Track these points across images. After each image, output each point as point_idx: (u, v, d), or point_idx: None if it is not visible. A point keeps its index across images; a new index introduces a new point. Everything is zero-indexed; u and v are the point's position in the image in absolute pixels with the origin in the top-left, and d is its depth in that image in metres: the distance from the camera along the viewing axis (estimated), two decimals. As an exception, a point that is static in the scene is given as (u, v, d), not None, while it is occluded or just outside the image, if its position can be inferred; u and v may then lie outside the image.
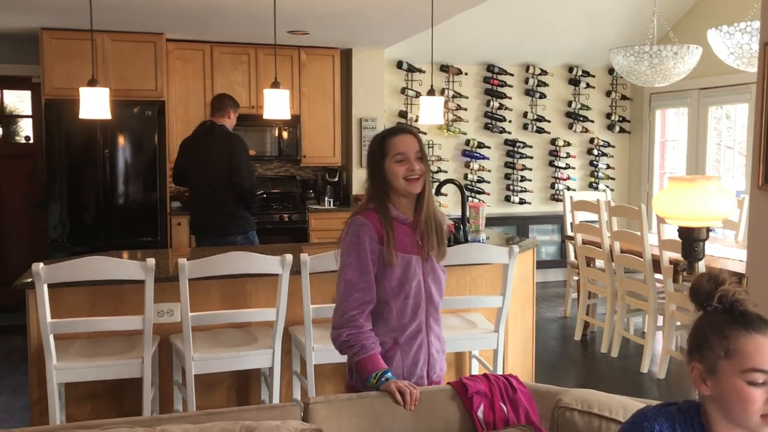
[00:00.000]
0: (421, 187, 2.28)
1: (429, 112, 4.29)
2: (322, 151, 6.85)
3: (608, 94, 8.08)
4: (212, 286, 3.47)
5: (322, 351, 3.24)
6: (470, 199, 7.44)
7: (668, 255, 4.55)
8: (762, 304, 2.26)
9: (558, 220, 7.75)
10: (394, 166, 2.26)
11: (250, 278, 3.46)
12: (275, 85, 4.04)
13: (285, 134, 6.69)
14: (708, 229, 1.74)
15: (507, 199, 7.87)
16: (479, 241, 4.13)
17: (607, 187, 7.91)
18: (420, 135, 2.36)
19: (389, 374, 2.15)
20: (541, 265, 7.80)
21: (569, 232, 6.12)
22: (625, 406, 1.87)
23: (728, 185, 6.63)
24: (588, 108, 8.00)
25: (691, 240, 1.77)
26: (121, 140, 6.01)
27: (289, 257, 3.12)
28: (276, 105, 3.99)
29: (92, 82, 3.63)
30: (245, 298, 3.54)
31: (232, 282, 3.49)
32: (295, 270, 3.22)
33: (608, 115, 8.11)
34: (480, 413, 2.04)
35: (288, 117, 4.15)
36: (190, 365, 3.08)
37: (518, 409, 2.05)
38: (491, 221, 6.79)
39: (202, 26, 5.78)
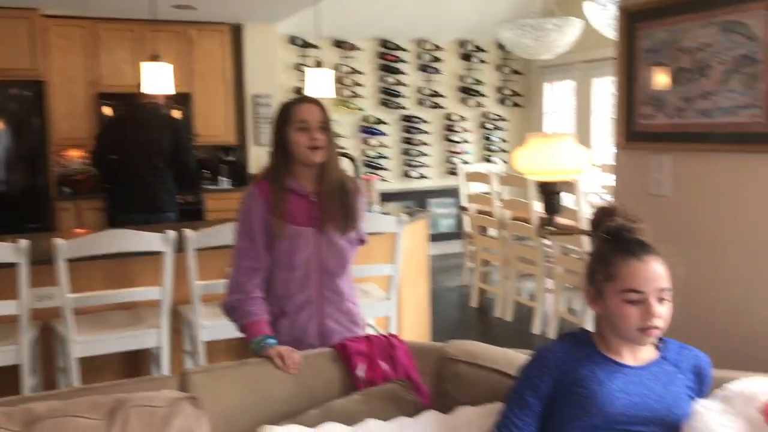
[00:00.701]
0: (324, 158, 2.26)
1: (317, 85, 4.27)
2: (216, 129, 6.70)
3: (499, 68, 8.29)
4: (95, 267, 3.35)
5: (212, 328, 3.19)
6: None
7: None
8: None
9: (455, 193, 7.86)
10: (296, 134, 2.24)
11: (135, 258, 3.36)
12: (154, 58, 3.91)
13: (176, 113, 6.50)
14: (564, 183, 1.83)
15: (406, 174, 7.97)
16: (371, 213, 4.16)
17: (501, 159, 8.14)
18: (326, 109, 2.32)
19: (271, 340, 2.15)
20: (441, 237, 7.96)
21: (464, 204, 6.27)
22: (508, 357, 1.94)
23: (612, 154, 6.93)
24: (481, 83, 8.17)
25: (550, 193, 1.86)
26: (-1, 123, 5.68)
27: (172, 234, 3.05)
28: (156, 79, 3.87)
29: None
30: (130, 278, 3.44)
31: (116, 262, 3.38)
32: (181, 247, 3.16)
33: (500, 89, 8.32)
34: (361, 372, 2.06)
35: (171, 91, 4.04)
36: (71, 348, 2.97)
37: (398, 365, 2.09)
38: (391, 197, 6.87)
39: (79, 0, 5.52)
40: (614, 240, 1.62)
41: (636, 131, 2.33)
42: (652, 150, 2.29)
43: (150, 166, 4.85)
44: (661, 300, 1.55)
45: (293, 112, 2.26)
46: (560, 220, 4.58)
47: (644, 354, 1.62)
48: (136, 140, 4.81)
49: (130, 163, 4.86)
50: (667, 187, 2.25)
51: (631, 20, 2.33)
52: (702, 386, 1.64)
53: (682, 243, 2.22)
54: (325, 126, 2.26)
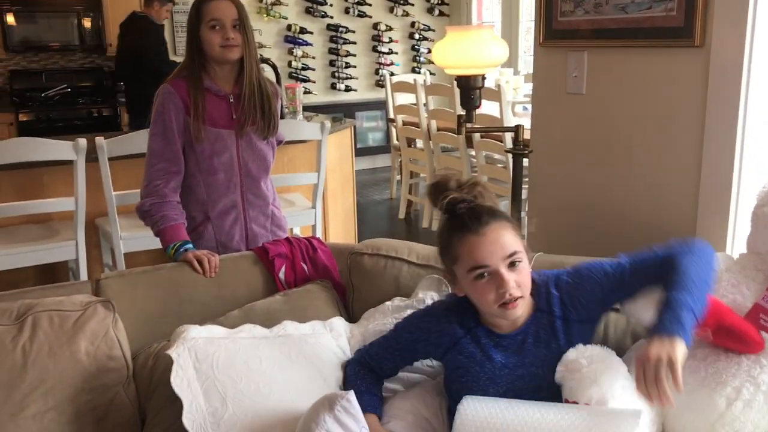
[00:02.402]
0: (240, 55, 2.17)
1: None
2: (130, 38, 6.36)
3: (427, -24, 8.11)
4: (4, 179, 3.18)
5: (131, 239, 3.11)
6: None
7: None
8: (541, 154, 2.43)
9: (384, 106, 7.82)
10: (209, 33, 2.13)
11: (45, 168, 3.21)
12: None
13: (87, 22, 6.13)
14: (483, 77, 1.81)
15: (333, 86, 7.83)
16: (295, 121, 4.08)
17: (428, 71, 8.06)
18: (242, 5, 2.20)
19: (189, 245, 2.11)
20: (369, 151, 7.93)
21: (391, 115, 6.22)
22: (411, 247, 1.96)
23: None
24: (408, -9, 7.99)
25: (468, 88, 1.84)
26: None
27: (82, 141, 2.91)
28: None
29: None
30: (42, 191, 3.29)
31: (25, 173, 3.21)
32: (95, 157, 3.02)
33: (428, -1, 8.17)
34: (281, 274, 2.06)
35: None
36: (-20, 263, 2.85)
37: (318, 266, 2.09)
38: (318, 109, 6.73)
39: None
40: (450, 217, 1.48)
41: (555, 29, 2.32)
42: (570, 47, 2.28)
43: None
44: (512, 266, 1.42)
45: (205, 10, 2.15)
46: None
47: (523, 312, 1.49)
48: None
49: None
50: (584, 85, 2.27)
51: None
52: (581, 299, 1.49)
53: (597, 140, 2.26)
54: (240, 25, 2.17)
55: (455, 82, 2.05)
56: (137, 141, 2.97)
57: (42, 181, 3.31)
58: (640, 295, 1.47)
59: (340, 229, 4.33)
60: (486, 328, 1.51)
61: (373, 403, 1.53)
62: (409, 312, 1.69)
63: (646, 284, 1.46)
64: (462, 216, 1.45)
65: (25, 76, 6.27)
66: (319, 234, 3.61)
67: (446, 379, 1.60)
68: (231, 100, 2.22)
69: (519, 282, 1.43)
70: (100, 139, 2.94)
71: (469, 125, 1.96)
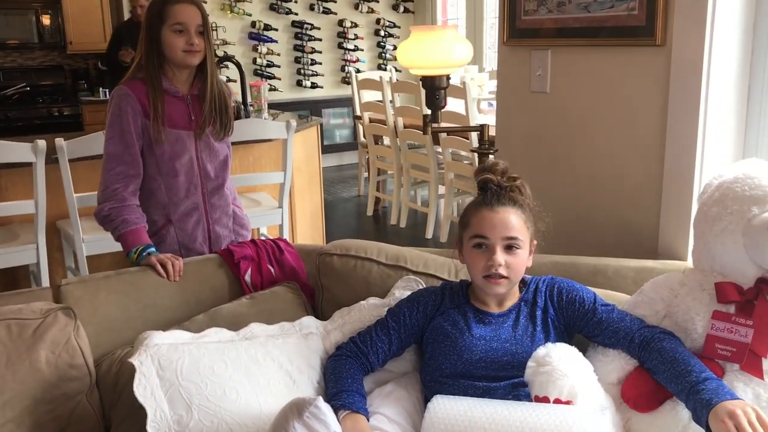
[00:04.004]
0: (200, 60, 2.15)
1: (197, -15, 4.00)
2: (91, 36, 6.24)
3: (392, -27, 8.09)
4: (-40, 182, 3.11)
5: (93, 242, 3.05)
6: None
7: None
8: (505, 153, 2.44)
9: (350, 103, 7.80)
10: (172, 36, 2.10)
11: (3, 171, 3.13)
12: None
13: (46, 19, 6.00)
14: (447, 77, 1.81)
15: (299, 83, 7.78)
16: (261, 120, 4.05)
17: (394, 67, 8.05)
18: (204, 10, 2.18)
19: (152, 249, 2.07)
20: (336, 148, 7.90)
21: (358, 113, 6.20)
22: (380, 248, 1.95)
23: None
24: (373, -13, 7.97)
25: (434, 89, 1.84)
26: None
27: (41, 143, 2.84)
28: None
29: None
30: (1, 193, 3.21)
31: (-18, 176, 3.14)
32: (55, 158, 2.96)
33: (393, -5, 8.15)
34: (247, 277, 2.04)
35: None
36: (-64, 269, 2.78)
37: (285, 268, 2.07)
38: (283, 106, 6.68)
39: None
40: (479, 193, 1.65)
41: (519, 28, 2.32)
42: (534, 46, 2.29)
43: None
44: (509, 248, 1.56)
45: (170, 12, 2.12)
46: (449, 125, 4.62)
47: (510, 301, 1.63)
48: None
49: None
50: (548, 84, 2.28)
51: None
52: (565, 303, 1.60)
53: (561, 139, 2.28)
54: (204, 30, 2.14)
55: (407, 69, 2.05)
56: (98, 142, 2.90)
57: (0, 184, 3.23)
58: (606, 344, 1.56)
59: (307, 227, 4.30)
60: (474, 306, 1.63)
61: (363, 404, 1.52)
62: (386, 310, 1.70)
63: (617, 345, 1.54)
64: (487, 193, 1.61)
65: (-18, 74, 6.12)
66: (286, 233, 3.58)
67: (425, 349, 1.64)
68: (189, 101, 2.20)
69: (509, 264, 1.55)
70: (59, 141, 2.88)
71: (435, 125, 1.96)
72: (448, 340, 1.57)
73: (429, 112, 1.95)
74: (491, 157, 2.07)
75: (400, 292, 1.80)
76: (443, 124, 4.75)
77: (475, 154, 4.47)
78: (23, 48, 6.12)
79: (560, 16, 2.17)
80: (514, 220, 1.57)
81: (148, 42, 2.15)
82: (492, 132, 2.32)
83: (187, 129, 2.20)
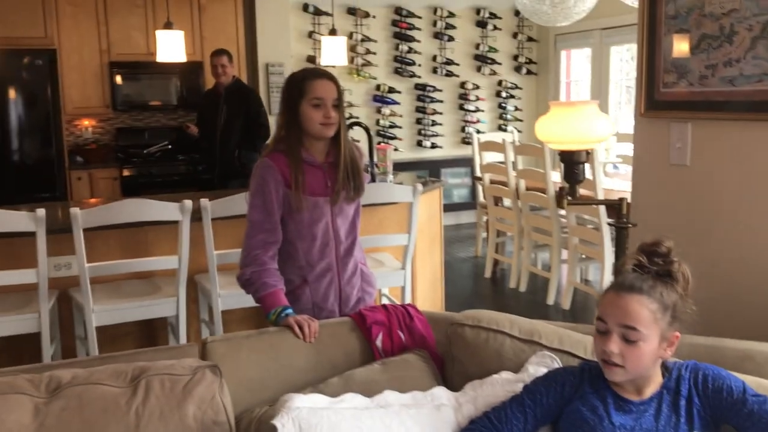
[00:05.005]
0: (335, 131, 2.28)
1: (331, 53, 4.23)
2: (228, 98, 6.66)
3: (515, 36, 8.18)
4: (111, 237, 3.36)
5: (228, 297, 3.21)
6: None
7: (569, 190, 4.70)
8: (642, 226, 2.37)
9: (469, 163, 7.85)
10: (310, 110, 2.23)
11: (150, 227, 3.37)
12: (168, 26, 3.89)
13: (186, 82, 6.47)
14: (587, 152, 1.81)
15: (419, 143, 7.93)
16: (386, 183, 4.15)
17: (516, 128, 8.07)
18: (339, 85, 2.32)
19: (289, 310, 2.16)
20: (454, 207, 7.94)
21: (478, 174, 6.23)
22: (512, 320, 1.93)
23: (629, 123, 6.86)
24: (495, 50, 8.08)
25: (572, 163, 1.83)
26: (12, 93, 5.69)
27: (188, 203, 3.05)
28: (170, 47, 3.84)
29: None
30: (147, 248, 3.45)
31: (132, 232, 3.38)
32: (198, 217, 3.16)
33: (515, 57, 8.22)
34: (378, 342, 2.07)
35: (183, 59, 4.02)
36: (89, 317, 3.00)
37: (415, 335, 2.09)
38: (404, 166, 6.83)
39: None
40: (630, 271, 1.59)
41: (657, 99, 2.29)
42: (673, 118, 2.25)
43: None
44: (625, 337, 1.48)
45: (309, 87, 2.25)
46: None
47: (650, 388, 1.55)
48: None
49: None
50: (688, 156, 2.22)
51: (654, -14, 2.28)
52: (711, 391, 1.52)
53: (702, 213, 2.20)
54: (338, 103, 2.26)
55: (546, 144, 2.05)
56: (238, 203, 3.10)
57: (146, 239, 3.47)
58: None
59: (427, 289, 4.33)
60: (613, 391, 1.56)
61: None
62: (520, 386, 1.69)
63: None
64: (626, 275, 1.56)
65: (130, 133, 6.64)
66: (407, 294, 3.62)
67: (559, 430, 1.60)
68: (325, 169, 2.31)
69: (625, 354, 1.48)
70: (204, 201, 3.07)
71: (570, 198, 1.95)
72: (586, 427, 1.53)
73: (554, 175, 1.94)
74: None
75: (535, 368, 1.77)
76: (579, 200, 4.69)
77: (602, 220, 4.38)
78: (165, 109, 6.61)
79: (702, 90, 2.13)
80: (638, 310, 1.48)
81: (287, 115, 2.29)
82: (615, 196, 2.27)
83: (324, 195, 2.30)
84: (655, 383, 1.56)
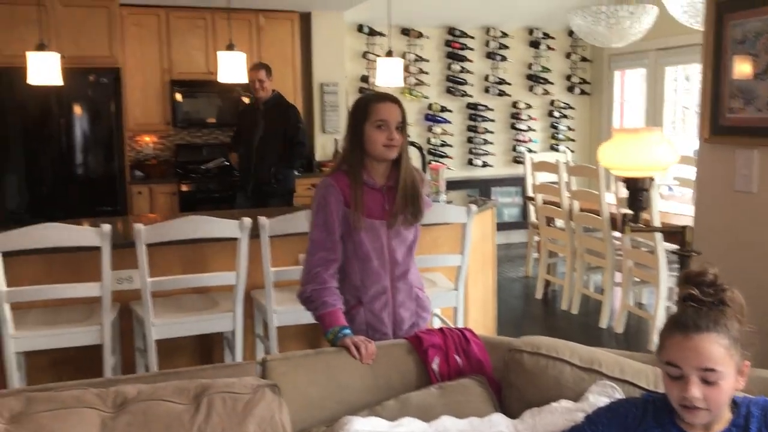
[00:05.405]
0: (397, 154, 2.30)
1: (387, 74, 4.28)
2: (283, 115, 6.78)
3: (568, 56, 8.13)
4: (171, 252, 3.44)
5: (284, 313, 3.25)
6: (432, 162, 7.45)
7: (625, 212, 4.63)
8: (707, 253, 2.33)
9: (520, 182, 7.79)
10: (374, 132, 2.27)
11: (209, 243, 3.44)
12: (230, 47, 3.99)
13: (246, 101, 6.61)
14: (651, 179, 1.79)
15: (470, 162, 7.92)
16: (439, 203, 4.16)
17: (568, 148, 7.99)
18: (404, 108, 2.34)
19: (347, 330, 2.18)
20: (504, 227, 7.88)
21: (530, 193, 6.19)
22: (572, 348, 1.91)
23: (685, 145, 6.74)
24: (548, 70, 8.03)
25: (636, 190, 1.81)
26: (78, 109, 5.90)
27: (247, 221, 3.11)
28: (231, 68, 3.94)
29: (41, 47, 3.54)
30: (205, 263, 3.52)
31: (191, 247, 3.46)
32: (256, 234, 3.21)
33: (568, 77, 8.16)
34: (435, 365, 2.07)
35: (244, 80, 4.11)
36: (149, 330, 3.07)
37: (471, 360, 2.09)
38: (455, 185, 6.81)
39: (155, -10, 5.66)
40: (678, 308, 1.53)
41: (722, 125, 2.25)
42: (740, 144, 2.21)
43: None
44: (704, 380, 1.43)
45: (374, 110, 2.28)
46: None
47: (719, 425, 1.50)
48: None
49: None
50: (755, 184, 2.17)
51: (720, 10, 2.25)
52: None
53: (770, 242, 2.15)
54: (402, 126, 2.29)
55: (600, 165, 2.02)
56: (294, 221, 3.15)
57: (204, 254, 3.55)
58: None
59: (479, 309, 4.30)
60: (680, 428, 1.51)
61: None
62: (581, 415, 1.66)
63: None
64: (685, 312, 1.49)
65: (188, 149, 6.81)
66: (460, 315, 3.61)
67: None
68: (384, 192, 2.33)
69: (708, 397, 1.43)
70: (263, 219, 3.13)
71: (633, 225, 1.93)
72: None
73: (628, 209, 1.92)
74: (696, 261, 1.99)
75: (596, 397, 1.75)
76: (622, 210, 4.62)
77: (658, 243, 4.29)
78: (223, 126, 6.76)
79: (771, 116, 2.08)
80: (713, 350, 1.43)
81: (351, 136, 2.33)
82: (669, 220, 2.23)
83: (381, 218, 2.32)
84: (723, 420, 1.51)
